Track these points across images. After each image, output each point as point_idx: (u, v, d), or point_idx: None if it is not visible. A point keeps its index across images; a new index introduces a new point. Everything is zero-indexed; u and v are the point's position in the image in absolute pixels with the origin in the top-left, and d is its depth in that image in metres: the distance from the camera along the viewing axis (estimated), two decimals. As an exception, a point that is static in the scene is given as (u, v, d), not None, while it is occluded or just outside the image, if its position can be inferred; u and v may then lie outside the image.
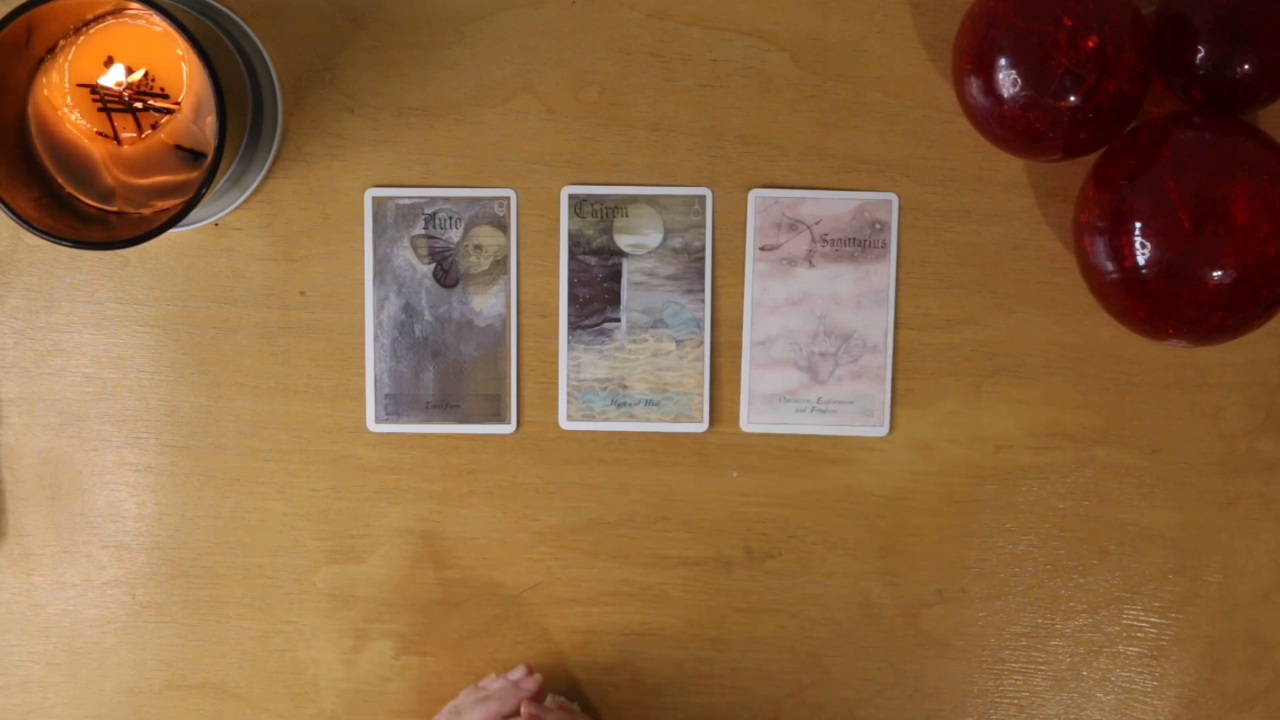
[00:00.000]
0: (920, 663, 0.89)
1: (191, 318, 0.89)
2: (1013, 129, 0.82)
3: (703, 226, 0.88)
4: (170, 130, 0.83)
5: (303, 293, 0.88)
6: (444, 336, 0.88)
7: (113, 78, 0.82)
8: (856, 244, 0.87)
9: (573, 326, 0.88)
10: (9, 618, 0.90)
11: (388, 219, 0.88)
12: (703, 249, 0.88)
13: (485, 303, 0.88)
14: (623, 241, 0.88)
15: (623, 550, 0.89)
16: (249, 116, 0.84)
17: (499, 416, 0.88)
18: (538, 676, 0.86)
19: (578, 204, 0.88)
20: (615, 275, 0.88)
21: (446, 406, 0.88)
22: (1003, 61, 0.80)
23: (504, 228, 0.88)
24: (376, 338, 0.88)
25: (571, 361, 0.88)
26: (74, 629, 0.90)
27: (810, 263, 0.88)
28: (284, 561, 0.89)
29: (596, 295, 0.88)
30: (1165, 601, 0.89)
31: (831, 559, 0.89)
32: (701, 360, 0.88)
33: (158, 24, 0.82)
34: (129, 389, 0.89)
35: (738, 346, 0.88)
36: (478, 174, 0.88)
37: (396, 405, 0.88)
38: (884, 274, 0.88)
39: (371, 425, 0.88)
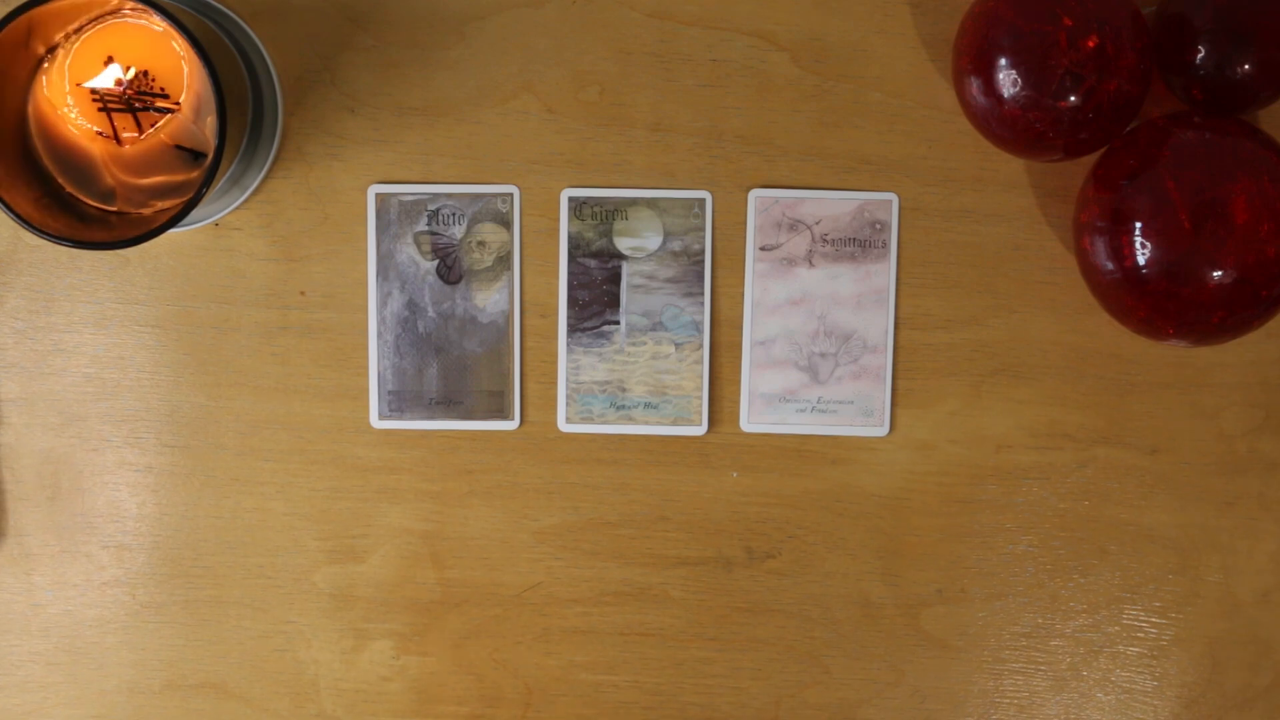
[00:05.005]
0: (920, 663, 0.89)
1: (191, 318, 0.88)
2: (1013, 129, 0.82)
3: (702, 230, 0.88)
4: (170, 130, 0.83)
5: (303, 292, 0.88)
6: (447, 333, 0.88)
7: (110, 76, 0.82)
8: (857, 244, 0.87)
9: (572, 329, 0.88)
10: (9, 618, 0.90)
11: (390, 215, 0.88)
12: (702, 252, 0.88)
13: (488, 299, 0.88)
14: (622, 244, 0.88)
15: (623, 550, 0.89)
16: (249, 116, 0.84)
17: (502, 413, 0.88)
18: None
19: (577, 206, 0.88)
20: (615, 278, 0.88)
21: (450, 403, 0.88)
22: (1003, 61, 0.80)
23: (507, 224, 0.88)
24: (380, 334, 0.88)
25: (570, 364, 0.88)
26: (74, 629, 0.90)
27: (810, 263, 0.88)
28: (284, 561, 0.89)
29: (595, 298, 0.88)
30: (1165, 601, 0.89)
31: (831, 559, 0.89)
32: (701, 364, 0.88)
33: (158, 24, 0.82)
34: (129, 389, 0.89)
35: (738, 347, 0.88)
36: (478, 173, 0.88)
37: (400, 402, 0.88)
38: (884, 274, 0.88)
39: (375, 422, 0.88)
